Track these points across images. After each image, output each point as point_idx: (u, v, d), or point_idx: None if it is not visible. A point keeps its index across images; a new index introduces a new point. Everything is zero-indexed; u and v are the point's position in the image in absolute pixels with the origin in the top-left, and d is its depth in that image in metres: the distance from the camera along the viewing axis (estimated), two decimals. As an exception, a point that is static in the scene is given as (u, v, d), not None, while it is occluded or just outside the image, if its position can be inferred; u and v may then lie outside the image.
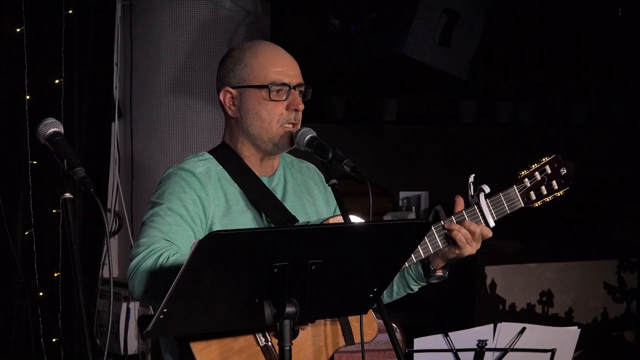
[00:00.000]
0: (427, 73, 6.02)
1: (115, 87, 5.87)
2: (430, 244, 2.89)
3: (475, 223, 2.90)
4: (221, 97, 2.95)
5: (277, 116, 2.88)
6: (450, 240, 2.90)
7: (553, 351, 3.19)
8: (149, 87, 5.86)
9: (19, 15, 5.25)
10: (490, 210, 2.94)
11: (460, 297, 6.25)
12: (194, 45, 5.77)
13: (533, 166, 3.04)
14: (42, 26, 5.39)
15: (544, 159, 3.05)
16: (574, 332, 3.26)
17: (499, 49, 8.96)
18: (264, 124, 2.88)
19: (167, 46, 5.80)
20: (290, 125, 2.89)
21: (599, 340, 6.14)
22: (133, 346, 5.82)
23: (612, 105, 9.49)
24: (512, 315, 5.84)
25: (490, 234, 2.92)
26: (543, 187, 3.02)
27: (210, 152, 2.96)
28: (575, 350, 3.26)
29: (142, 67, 5.87)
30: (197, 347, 2.61)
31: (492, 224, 2.94)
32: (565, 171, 3.05)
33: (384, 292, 2.88)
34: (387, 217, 6.79)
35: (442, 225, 2.90)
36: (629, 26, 9.35)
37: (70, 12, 5.46)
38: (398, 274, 2.96)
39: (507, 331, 3.16)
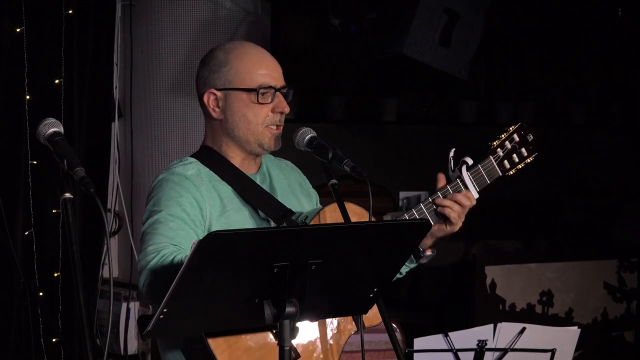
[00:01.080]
0: (427, 73, 6.01)
1: (115, 87, 5.87)
2: None
3: None
4: (205, 99, 2.96)
5: (262, 118, 2.90)
6: (441, 217, 2.92)
7: (553, 351, 3.19)
8: (149, 87, 5.86)
9: (19, 15, 5.25)
10: (472, 182, 2.99)
11: (460, 297, 6.25)
12: (194, 45, 5.77)
13: (502, 136, 3.12)
14: (42, 26, 5.39)
15: (510, 128, 3.12)
16: (574, 332, 3.26)
17: (499, 49, 8.94)
18: (251, 125, 2.90)
19: (167, 46, 5.80)
20: (274, 127, 2.90)
21: (599, 340, 6.14)
22: (133, 346, 5.82)
23: (612, 105, 9.48)
24: (512, 315, 5.83)
25: (474, 202, 2.97)
26: (514, 155, 3.11)
27: (193, 156, 2.96)
28: (575, 350, 3.26)
29: (142, 67, 5.86)
30: (215, 344, 2.61)
31: (475, 195, 2.99)
32: (532, 137, 3.12)
33: None
34: (387, 217, 6.79)
35: (432, 202, 2.93)
36: (629, 26, 9.34)
37: (70, 12, 5.46)
38: None
39: (507, 331, 3.16)
